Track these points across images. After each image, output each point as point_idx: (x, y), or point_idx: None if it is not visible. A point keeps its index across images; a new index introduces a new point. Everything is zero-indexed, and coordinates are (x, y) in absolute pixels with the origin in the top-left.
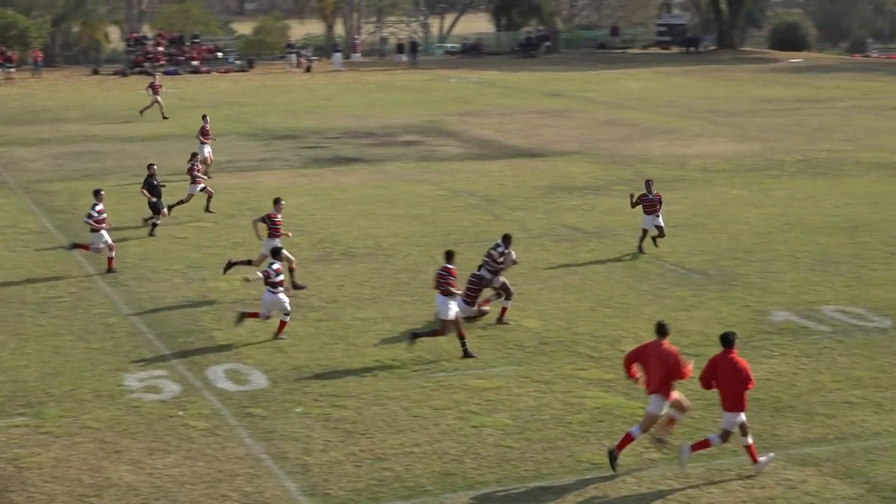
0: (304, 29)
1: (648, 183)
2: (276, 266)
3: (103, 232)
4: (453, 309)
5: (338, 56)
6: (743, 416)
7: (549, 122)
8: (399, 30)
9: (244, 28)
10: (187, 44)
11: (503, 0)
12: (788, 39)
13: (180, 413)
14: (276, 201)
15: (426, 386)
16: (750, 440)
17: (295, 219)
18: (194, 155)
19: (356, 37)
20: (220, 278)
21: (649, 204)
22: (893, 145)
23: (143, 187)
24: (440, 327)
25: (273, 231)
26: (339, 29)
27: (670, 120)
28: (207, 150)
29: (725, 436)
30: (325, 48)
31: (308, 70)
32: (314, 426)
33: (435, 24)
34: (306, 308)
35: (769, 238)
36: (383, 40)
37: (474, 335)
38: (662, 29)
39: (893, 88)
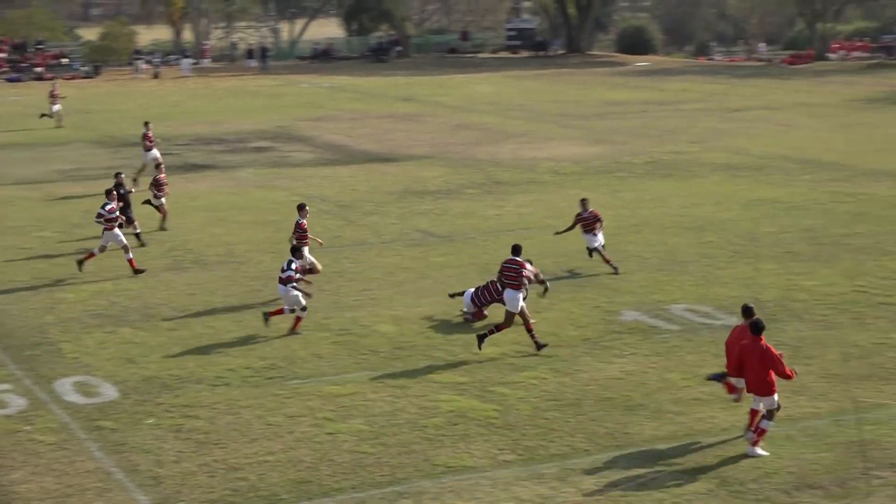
0: (152, 34)
1: (584, 201)
2: (294, 265)
3: (116, 231)
4: (520, 302)
5: (186, 62)
6: (776, 396)
7: (401, 127)
8: (249, 35)
9: (90, 34)
10: (31, 50)
11: (354, 5)
12: (635, 43)
13: (27, 428)
14: (301, 207)
15: (280, 394)
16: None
17: (145, 227)
18: (158, 166)
19: (205, 42)
20: (66, 290)
21: (586, 222)
22: (737, 146)
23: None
24: (506, 320)
25: (300, 239)
26: (188, 34)
27: (521, 123)
28: (154, 154)
29: (771, 414)
30: (173, 54)
31: (156, 76)
32: (166, 437)
33: (285, 29)
34: (157, 317)
35: (619, 239)
36: (233, 46)
37: (328, 341)
38: (512, 33)
39: (736, 91)
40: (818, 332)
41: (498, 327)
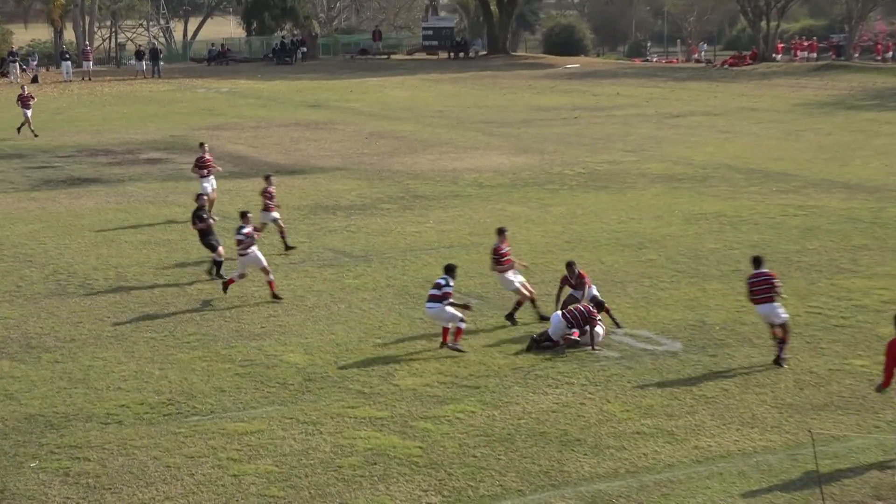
0: (30, 34)
1: (570, 265)
2: (245, 230)
3: (254, 248)
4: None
5: (67, 65)
6: None
7: (309, 136)
8: (138, 35)
9: None
10: None
11: (253, 2)
12: (564, 43)
13: None
14: (267, 178)
15: (179, 432)
16: None
17: (23, 248)
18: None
19: (87, 43)
20: None
21: (576, 287)
22: (677, 155)
23: (193, 223)
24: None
25: (267, 205)
26: (70, 34)
27: (441, 131)
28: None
29: None
30: (53, 56)
31: (34, 80)
32: (52, 482)
33: (178, 28)
34: (39, 349)
35: (550, 257)
36: (120, 47)
37: (231, 373)
38: (428, 33)
39: (675, 94)
40: (770, 358)
41: (782, 341)
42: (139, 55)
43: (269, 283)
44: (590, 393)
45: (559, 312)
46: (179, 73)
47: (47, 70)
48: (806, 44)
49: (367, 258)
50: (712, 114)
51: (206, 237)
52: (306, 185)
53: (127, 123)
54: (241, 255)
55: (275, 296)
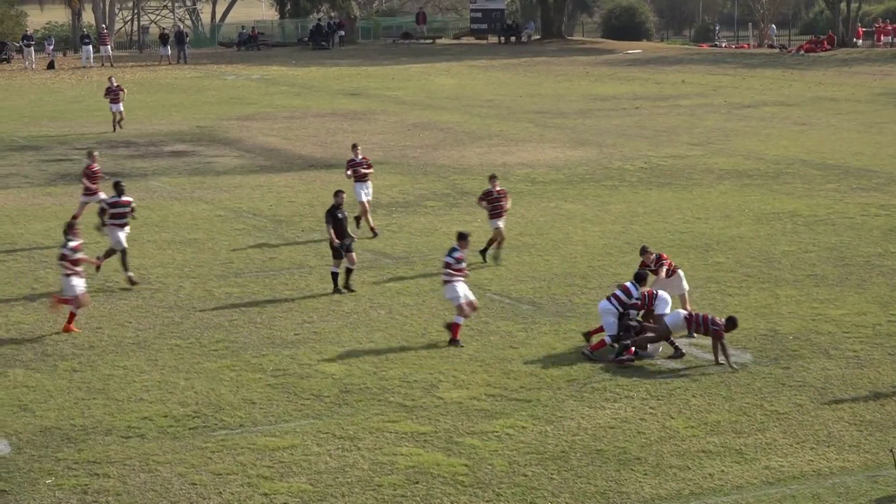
0: (46, 16)
1: (645, 249)
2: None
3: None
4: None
5: (88, 49)
6: None
7: (347, 127)
8: (162, 17)
9: None
10: None
11: None
12: (624, 27)
13: None
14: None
15: (205, 447)
16: None
17: (39, 248)
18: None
19: (104, 26)
20: None
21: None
22: (748, 149)
23: (327, 222)
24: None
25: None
26: (89, 16)
27: (490, 122)
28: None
29: None
30: (71, 40)
31: (51, 66)
32: (69, 500)
33: (205, 10)
34: (55, 356)
35: (609, 260)
36: (143, 30)
37: (262, 384)
38: (477, 15)
39: (746, 83)
40: (848, 371)
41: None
42: (163, 39)
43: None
44: (651, 407)
45: (680, 311)
46: (207, 59)
47: (64, 55)
48: (890, 28)
49: (410, 260)
50: (786, 104)
51: (336, 242)
52: (344, 180)
53: (150, 113)
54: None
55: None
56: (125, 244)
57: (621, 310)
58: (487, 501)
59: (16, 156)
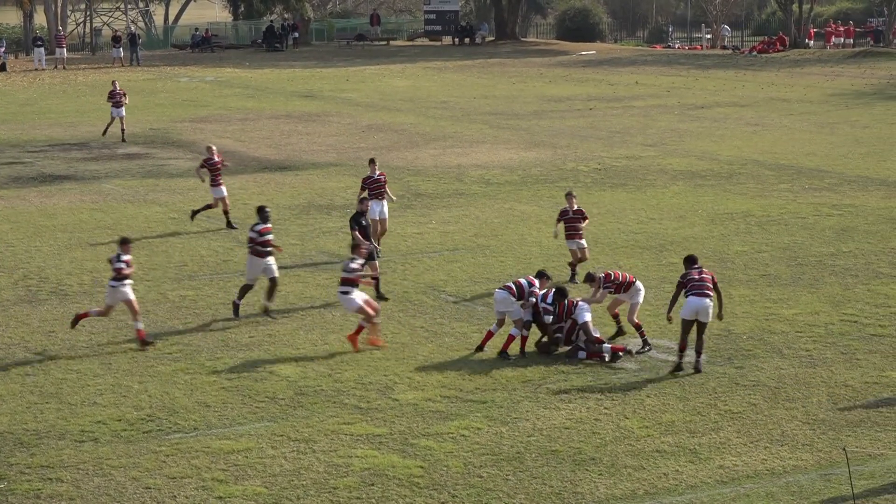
0: None
1: (591, 276)
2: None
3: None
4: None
5: (40, 52)
6: None
7: (301, 129)
8: (115, 19)
9: None
10: None
11: None
12: (578, 28)
13: None
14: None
15: (159, 450)
16: None
17: None
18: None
19: (60, 28)
20: None
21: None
22: (701, 150)
23: (352, 228)
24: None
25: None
26: (41, 18)
27: (444, 124)
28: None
29: None
30: (23, 42)
31: (2, 69)
32: None
33: (158, 12)
34: (7, 360)
35: (563, 261)
36: (96, 32)
37: (217, 387)
38: (431, 17)
39: (699, 84)
40: (801, 370)
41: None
42: (116, 41)
43: (137, 330)
44: (606, 408)
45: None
46: (160, 61)
47: (16, 57)
48: (842, 29)
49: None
50: (739, 105)
51: (365, 242)
52: (298, 182)
53: (103, 115)
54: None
55: (144, 342)
56: (276, 272)
57: (517, 297)
58: (443, 503)
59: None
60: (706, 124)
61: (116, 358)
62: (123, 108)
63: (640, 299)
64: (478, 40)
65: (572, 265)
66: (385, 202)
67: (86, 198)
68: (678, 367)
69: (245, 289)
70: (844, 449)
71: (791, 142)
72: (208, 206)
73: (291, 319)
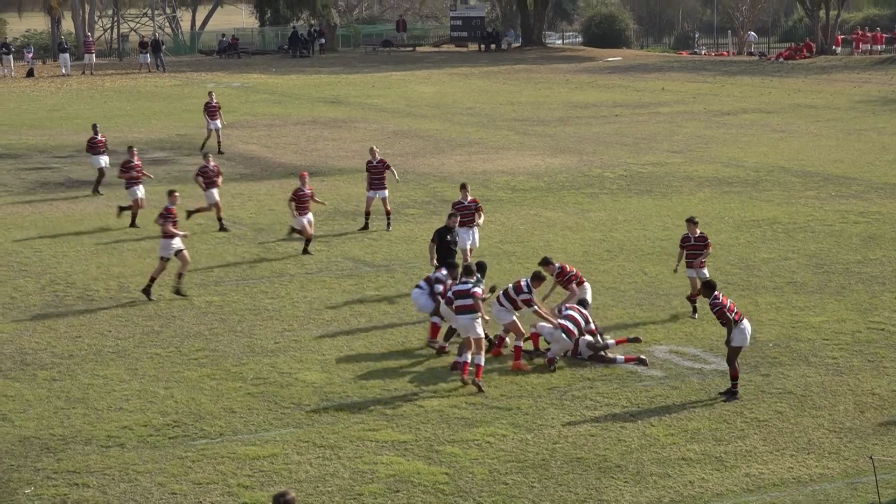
0: (24, 24)
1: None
2: None
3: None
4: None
5: (65, 57)
6: None
7: (327, 135)
8: (142, 25)
9: None
10: None
11: None
12: (604, 34)
13: None
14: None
15: (185, 456)
16: None
17: (18, 257)
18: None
19: (89, 34)
20: None
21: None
22: (727, 156)
23: (433, 241)
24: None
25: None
26: (69, 24)
27: (470, 130)
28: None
29: None
30: (50, 48)
31: (30, 74)
32: None
33: (185, 18)
34: (35, 365)
35: (589, 267)
36: (123, 38)
37: (242, 392)
38: (457, 23)
39: (725, 90)
40: (828, 378)
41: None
42: (143, 47)
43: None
44: (631, 415)
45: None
46: (187, 67)
47: (44, 63)
48: (869, 35)
49: (390, 268)
50: (766, 111)
51: (443, 261)
52: (324, 188)
53: (130, 121)
54: None
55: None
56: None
57: (429, 289)
58: None
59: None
60: (732, 131)
61: (143, 363)
62: (219, 121)
63: (588, 298)
64: (504, 46)
65: (692, 298)
66: (476, 231)
67: (112, 203)
68: (734, 394)
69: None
70: (871, 457)
71: (818, 149)
72: (200, 209)
73: (317, 325)
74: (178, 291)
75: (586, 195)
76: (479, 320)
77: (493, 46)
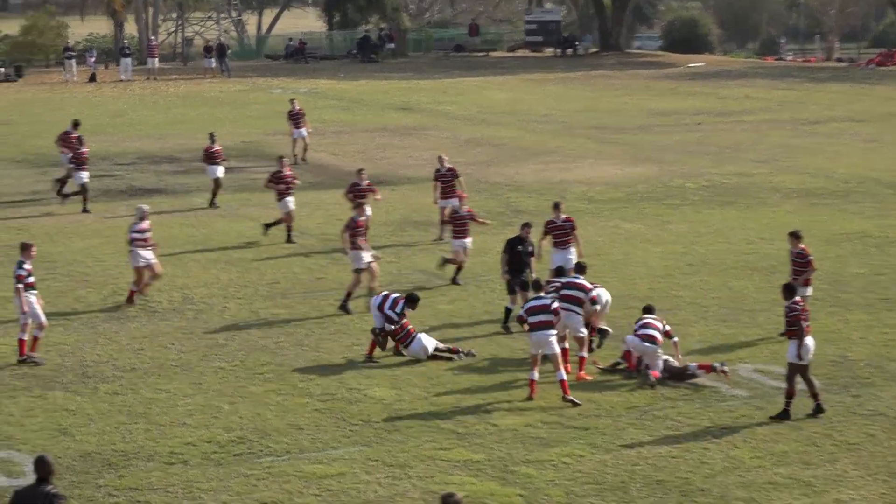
0: (87, 27)
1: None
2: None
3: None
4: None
5: (126, 62)
6: None
7: (398, 143)
8: (207, 28)
9: (9, 27)
10: None
11: None
12: (686, 39)
13: None
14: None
15: (250, 474)
16: None
17: (79, 266)
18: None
19: (152, 38)
20: None
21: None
22: (815, 167)
23: (504, 252)
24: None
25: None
26: (132, 28)
27: (546, 138)
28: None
29: None
30: (113, 52)
31: (93, 79)
32: None
33: (251, 21)
34: (96, 378)
35: (670, 282)
36: (187, 42)
37: (309, 408)
38: (532, 27)
39: (813, 98)
40: None
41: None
42: (207, 51)
43: (34, 338)
44: (715, 437)
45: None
46: (253, 72)
47: (106, 67)
48: None
49: (462, 281)
50: (856, 120)
51: (515, 275)
52: (394, 197)
53: (194, 128)
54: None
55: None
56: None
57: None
58: None
59: (56, 172)
60: (820, 140)
61: (207, 378)
62: (304, 128)
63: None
64: (581, 51)
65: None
66: (573, 251)
67: (176, 212)
68: (787, 415)
69: None
70: None
71: None
72: (279, 222)
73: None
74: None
75: (667, 206)
76: (555, 336)
77: (569, 51)
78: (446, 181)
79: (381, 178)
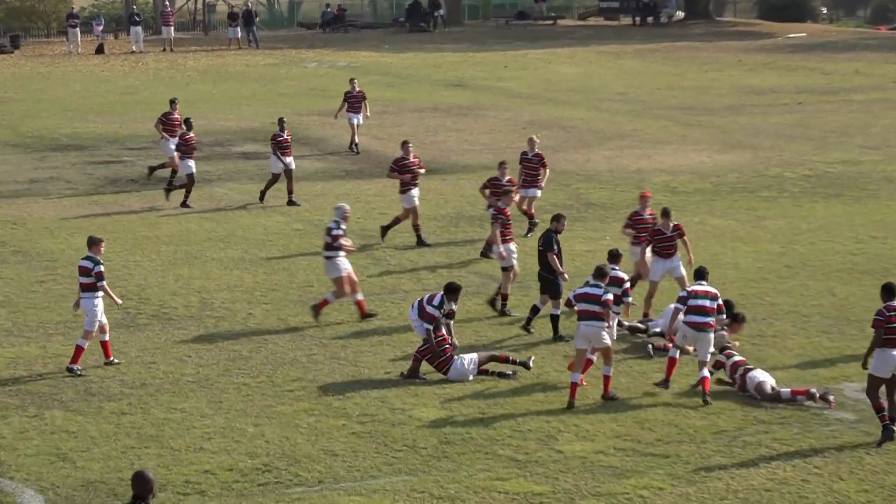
0: None
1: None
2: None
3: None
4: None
5: (136, 31)
6: None
7: (450, 124)
8: None
9: None
10: None
11: None
12: (785, 6)
13: None
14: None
15: None
16: None
17: None
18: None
19: (167, 4)
20: None
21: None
22: None
23: (550, 249)
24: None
25: None
26: None
27: (621, 120)
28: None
29: None
30: (123, 19)
31: (100, 51)
32: None
33: None
34: (100, 396)
35: (765, 286)
36: (209, 8)
37: (346, 431)
38: None
39: None
40: None
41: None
42: (232, 19)
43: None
44: (816, 467)
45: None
46: (284, 43)
47: (115, 37)
48: None
49: (524, 285)
50: None
51: (548, 276)
52: (446, 187)
53: (216, 107)
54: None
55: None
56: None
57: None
58: None
59: (57, 157)
60: None
61: (228, 395)
62: (362, 114)
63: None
64: (663, 19)
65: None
66: (679, 261)
67: (195, 204)
68: (890, 432)
69: None
70: None
71: None
72: (397, 221)
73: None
74: (493, 303)
75: (762, 199)
76: (606, 330)
77: (649, 19)
78: (531, 167)
79: (431, 165)
